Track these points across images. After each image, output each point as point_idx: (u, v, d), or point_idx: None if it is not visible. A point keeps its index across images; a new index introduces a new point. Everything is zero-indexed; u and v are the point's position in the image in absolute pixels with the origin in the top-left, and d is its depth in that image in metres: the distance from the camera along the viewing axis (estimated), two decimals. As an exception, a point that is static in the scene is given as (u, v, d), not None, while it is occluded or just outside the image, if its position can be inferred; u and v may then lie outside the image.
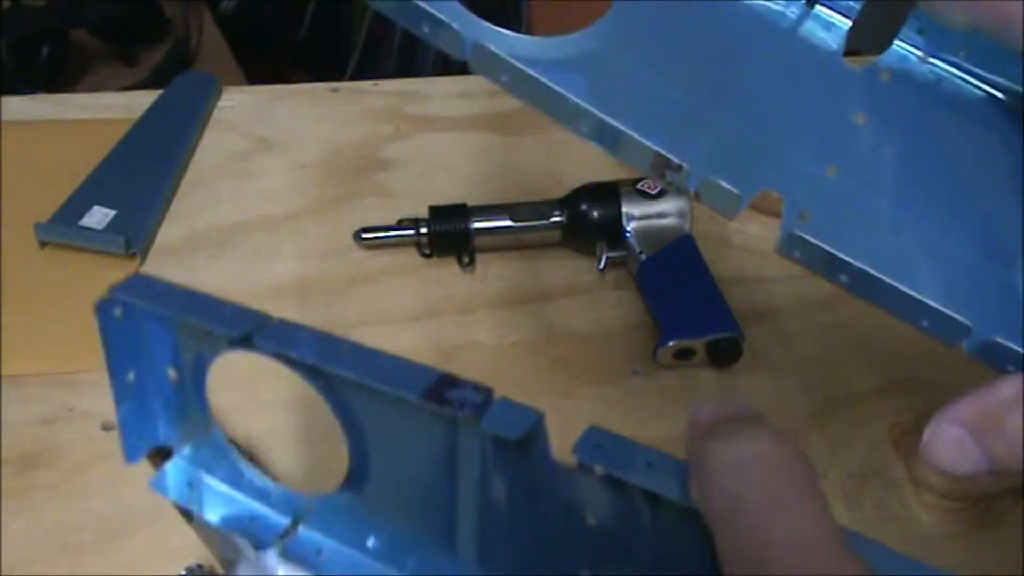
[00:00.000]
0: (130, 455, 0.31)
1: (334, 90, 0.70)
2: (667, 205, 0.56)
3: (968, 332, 0.28)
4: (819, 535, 0.20)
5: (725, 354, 0.52)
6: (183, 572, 0.43)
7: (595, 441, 0.24)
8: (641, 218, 0.56)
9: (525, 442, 0.24)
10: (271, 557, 0.41)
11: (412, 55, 1.35)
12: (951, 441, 0.27)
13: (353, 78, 1.02)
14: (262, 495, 0.32)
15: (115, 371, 0.29)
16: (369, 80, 0.71)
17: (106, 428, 0.50)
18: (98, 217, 0.58)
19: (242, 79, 1.20)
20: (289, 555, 0.30)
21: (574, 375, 0.53)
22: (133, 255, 0.57)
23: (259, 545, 0.31)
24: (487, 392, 0.25)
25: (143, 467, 0.46)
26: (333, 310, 0.56)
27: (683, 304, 0.53)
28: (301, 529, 0.31)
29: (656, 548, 0.25)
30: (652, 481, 0.23)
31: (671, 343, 0.51)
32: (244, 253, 0.59)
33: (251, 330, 0.27)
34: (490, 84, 0.76)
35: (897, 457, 0.49)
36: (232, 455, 0.32)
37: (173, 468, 0.32)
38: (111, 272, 0.57)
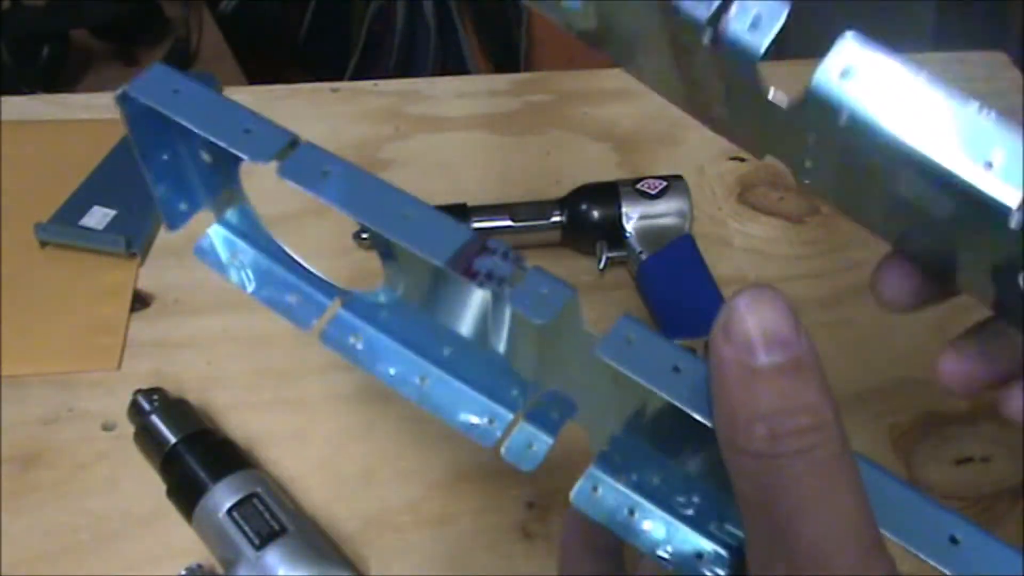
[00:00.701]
0: (173, 224, 0.31)
1: (334, 90, 0.70)
2: (667, 205, 0.56)
3: (1007, 211, 0.20)
4: (850, 534, 0.20)
5: (725, 354, 0.52)
6: (183, 572, 0.43)
7: (624, 335, 0.23)
8: (641, 218, 0.56)
9: (555, 321, 0.22)
10: (271, 556, 0.41)
11: (412, 55, 1.35)
12: None
13: (353, 78, 1.02)
14: (303, 275, 0.31)
15: (147, 154, 0.29)
16: (369, 80, 0.71)
17: (106, 428, 0.50)
18: (98, 217, 0.58)
19: (242, 79, 1.20)
20: (327, 339, 0.29)
21: (574, 375, 0.53)
22: (133, 255, 0.57)
23: (301, 324, 0.30)
24: (518, 261, 0.23)
25: (143, 467, 0.46)
26: (333, 310, 0.56)
27: (683, 304, 0.53)
28: (342, 311, 0.30)
29: (676, 427, 0.24)
30: (674, 391, 0.22)
31: (671, 343, 0.51)
32: (244, 253, 0.59)
33: (276, 156, 0.26)
34: (490, 84, 0.76)
35: (897, 457, 0.49)
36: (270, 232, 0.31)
37: (216, 234, 0.32)
38: (111, 272, 0.57)
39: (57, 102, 0.69)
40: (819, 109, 0.21)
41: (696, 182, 0.61)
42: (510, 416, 0.28)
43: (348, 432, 0.50)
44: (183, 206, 0.31)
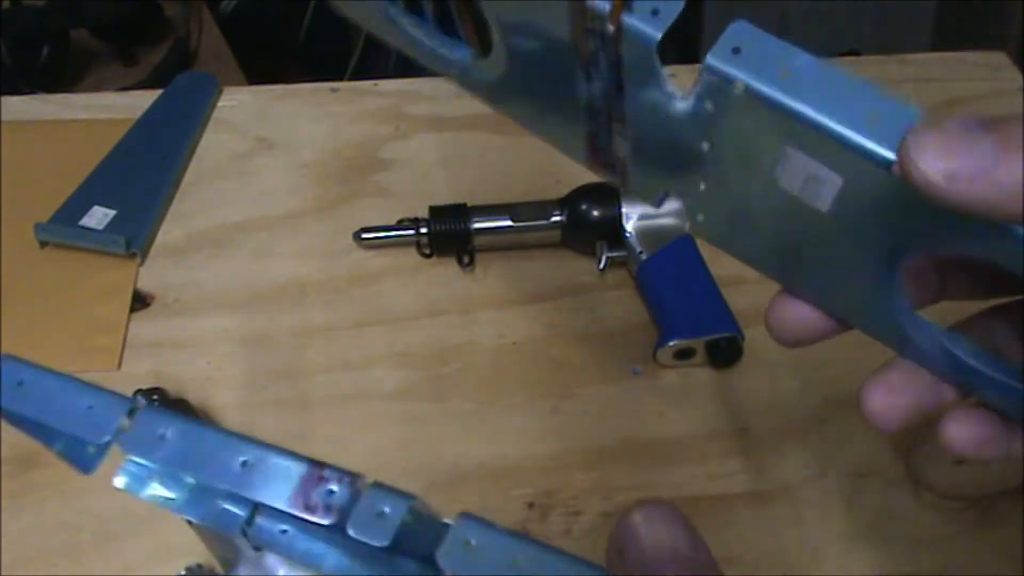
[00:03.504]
0: (87, 468, 0.31)
1: (334, 90, 0.70)
2: (667, 205, 0.56)
3: (889, 164, 0.22)
4: None
5: (725, 354, 0.52)
6: (183, 572, 0.43)
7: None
8: (641, 218, 0.56)
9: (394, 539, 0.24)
10: (271, 557, 0.41)
11: (412, 55, 1.34)
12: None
13: (353, 78, 1.02)
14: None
15: (33, 431, 0.29)
16: (369, 80, 0.71)
17: (106, 428, 0.50)
18: (98, 217, 0.58)
19: (242, 79, 1.20)
20: (257, 540, 0.29)
21: (574, 375, 0.53)
22: (133, 255, 0.57)
23: (230, 530, 0.30)
24: (354, 483, 0.24)
25: (143, 467, 0.46)
26: (333, 310, 0.56)
27: (683, 304, 0.53)
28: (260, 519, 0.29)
29: None
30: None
31: (671, 343, 0.51)
32: (244, 253, 0.59)
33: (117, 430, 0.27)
34: (490, 84, 0.74)
35: (897, 457, 0.49)
36: None
37: (131, 466, 0.31)
38: (111, 272, 0.57)
39: (57, 102, 0.69)
40: (716, 84, 0.23)
41: (696, 182, 0.61)
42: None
43: (348, 432, 0.50)
44: (90, 449, 0.31)
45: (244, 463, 0.25)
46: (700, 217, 0.30)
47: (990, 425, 0.26)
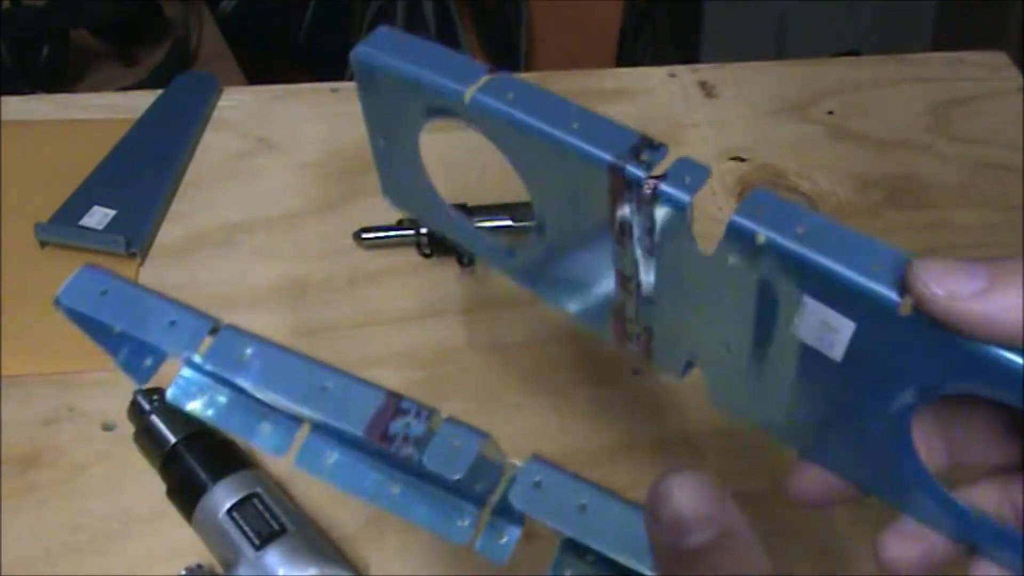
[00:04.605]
0: (141, 380, 0.32)
1: (334, 90, 0.70)
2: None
3: (894, 304, 0.25)
4: None
5: (725, 354, 0.52)
6: (183, 572, 0.43)
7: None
8: (641, 218, 0.56)
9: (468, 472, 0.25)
10: (271, 556, 0.41)
11: (412, 55, 1.35)
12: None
13: (353, 78, 1.02)
14: (269, 407, 0.31)
15: (97, 336, 0.31)
16: (369, 80, 0.71)
17: (106, 428, 0.50)
18: (98, 217, 0.58)
19: (242, 79, 1.20)
20: (301, 462, 0.30)
21: (574, 375, 0.53)
22: (133, 255, 0.57)
23: (278, 452, 0.30)
24: (430, 417, 0.25)
25: (143, 467, 0.46)
26: (333, 310, 0.56)
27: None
28: (312, 434, 0.30)
29: None
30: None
31: (671, 343, 0.51)
32: (244, 253, 0.59)
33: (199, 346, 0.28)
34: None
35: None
36: None
37: (185, 376, 0.31)
38: (111, 272, 0.57)
39: (57, 102, 0.69)
40: (740, 239, 0.26)
41: (696, 182, 0.61)
42: (478, 511, 0.29)
43: (348, 432, 0.50)
44: (148, 361, 0.31)
45: (324, 388, 0.26)
46: (722, 387, 0.32)
47: None
